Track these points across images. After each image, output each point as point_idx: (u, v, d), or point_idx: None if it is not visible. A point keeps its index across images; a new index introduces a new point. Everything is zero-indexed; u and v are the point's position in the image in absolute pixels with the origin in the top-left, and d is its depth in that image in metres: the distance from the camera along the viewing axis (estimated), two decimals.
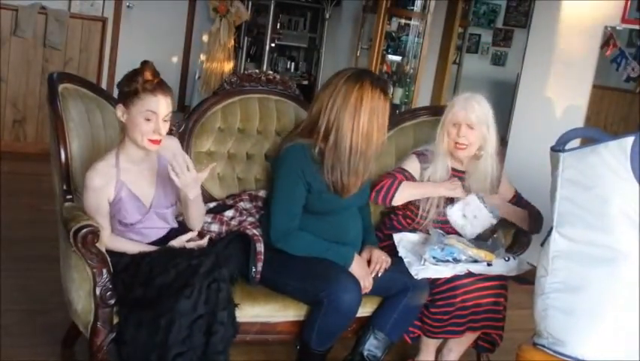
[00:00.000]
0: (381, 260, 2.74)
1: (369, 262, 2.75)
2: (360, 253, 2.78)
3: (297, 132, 2.77)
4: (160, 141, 2.45)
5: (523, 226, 3.03)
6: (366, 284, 2.65)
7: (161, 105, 2.42)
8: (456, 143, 2.91)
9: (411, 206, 2.99)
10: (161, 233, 2.61)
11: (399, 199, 2.91)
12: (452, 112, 2.92)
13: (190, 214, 2.60)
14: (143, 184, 2.54)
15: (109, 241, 2.50)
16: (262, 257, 2.67)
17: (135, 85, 2.39)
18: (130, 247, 2.52)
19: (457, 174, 2.98)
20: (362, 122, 2.61)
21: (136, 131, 2.42)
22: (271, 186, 2.81)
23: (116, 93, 2.53)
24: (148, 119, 2.41)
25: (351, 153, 2.63)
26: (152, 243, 2.58)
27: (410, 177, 2.96)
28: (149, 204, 2.55)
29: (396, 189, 2.89)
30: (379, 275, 2.71)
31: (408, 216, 3.03)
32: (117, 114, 2.45)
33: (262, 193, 2.97)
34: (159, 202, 2.57)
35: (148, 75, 2.41)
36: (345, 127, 2.61)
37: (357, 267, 2.67)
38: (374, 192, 2.91)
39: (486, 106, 2.95)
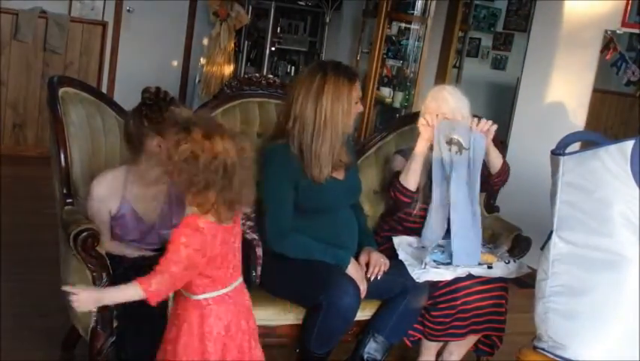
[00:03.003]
0: (380, 263, 2.74)
1: (367, 264, 2.75)
2: (358, 256, 2.79)
3: (273, 133, 2.80)
4: None
5: (495, 168, 2.95)
6: (361, 288, 2.65)
7: None
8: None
9: (407, 209, 3.00)
10: (160, 245, 2.61)
11: (409, 181, 2.91)
12: (425, 104, 2.97)
13: None
14: (150, 204, 2.53)
15: (109, 244, 2.50)
16: (261, 261, 2.67)
17: (168, 112, 2.37)
18: (129, 251, 2.52)
19: None
20: (325, 109, 2.65)
21: None
22: (260, 189, 2.82)
23: (117, 98, 2.52)
24: None
25: (313, 137, 2.66)
26: (152, 249, 2.58)
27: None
28: (151, 224, 2.55)
29: (399, 182, 2.92)
30: (378, 278, 2.71)
31: (404, 220, 3.03)
32: (152, 146, 2.39)
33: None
34: (163, 223, 2.57)
35: (173, 98, 2.42)
36: (308, 113, 2.66)
37: (354, 271, 2.67)
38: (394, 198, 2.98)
39: (459, 96, 2.96)
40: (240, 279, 2.07)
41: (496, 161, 2.92)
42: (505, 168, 2.96)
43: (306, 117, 2.66)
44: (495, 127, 2.83)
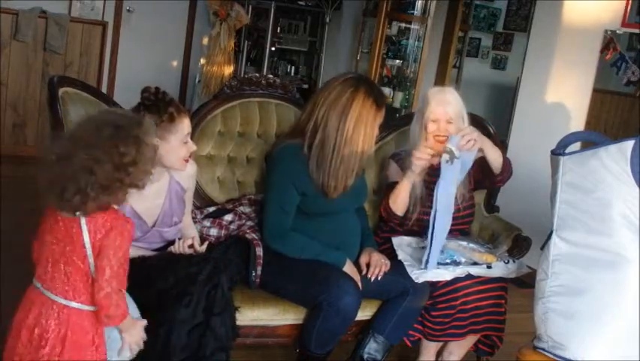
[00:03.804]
0: (380, 263, 2.74)
1: (368, 265, 2.75)
2: (358, 256, 2.79)
3: (289, 132, 2.79)
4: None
5: (497, 168, 2.91)
6: None
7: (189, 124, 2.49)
8: (435, 136, 2.88)
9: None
10: (161, 245, 2.61)
11: (398, 207, 2.92)
12: (429, 110, 2.88)
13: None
14: (149, 203, 2.53)
15: None
16: (262, 261, 2.67)
17: (166, 113, 2.38)
18: (129, 251, 2.52)
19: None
20: (348, 126, 2.61)
21: (174, 157, 2.44)
22: (265, 187, 2.82)
23: (117, 98, 2.51)
24: (185, 142, 2.45)
25: (333, 154, 2.63)
26: (152, 249, 2.58)
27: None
28: (152, 223, 2.55)
29: (388, 206, 2.92)
30: (379, 279, 2.71)
31: (404, 222, 3.03)
32: None
33: (262, 198, 2.96)
34: (163, 221, 2.57)
35: (172, 99, 2.42)
36: (331, 126, 2.62)
37: (350, 272, 2.67)
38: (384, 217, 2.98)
39: (458, 98, 2.94)
40: None
41: (496, 160, 2.89)
42: (507, 166, 2.94)
43: (328, 131, 2.62)
44: (476, 138, 2.76)
